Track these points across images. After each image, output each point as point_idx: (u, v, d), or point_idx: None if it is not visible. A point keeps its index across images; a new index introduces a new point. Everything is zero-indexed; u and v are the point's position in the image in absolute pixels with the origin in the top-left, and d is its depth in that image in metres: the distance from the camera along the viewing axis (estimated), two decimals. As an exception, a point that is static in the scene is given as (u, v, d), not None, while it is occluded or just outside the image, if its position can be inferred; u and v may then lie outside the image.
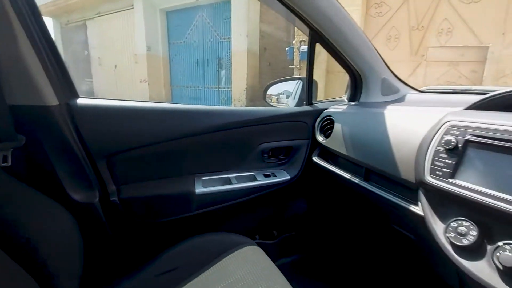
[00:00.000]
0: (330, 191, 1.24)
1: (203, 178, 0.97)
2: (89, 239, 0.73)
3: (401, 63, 4.29)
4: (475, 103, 0.63)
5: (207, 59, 6.61)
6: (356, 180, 0.87)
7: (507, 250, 0.45)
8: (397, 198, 0.73)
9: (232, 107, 1.04)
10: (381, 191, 0.79)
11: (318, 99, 1.28)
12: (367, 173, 0.86)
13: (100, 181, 0.83)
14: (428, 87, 1.20)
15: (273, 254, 1.18)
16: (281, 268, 1.14)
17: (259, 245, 0.84)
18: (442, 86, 1.35)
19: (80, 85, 8.26)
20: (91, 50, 9.01)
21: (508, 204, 0.45)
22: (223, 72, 6.40)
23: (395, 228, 0.94)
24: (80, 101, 0.79)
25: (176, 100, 7.63)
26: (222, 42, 6.26)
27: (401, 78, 1.16)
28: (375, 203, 0.91)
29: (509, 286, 0.45)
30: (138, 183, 0.89)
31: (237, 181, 0.99)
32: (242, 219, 1.10)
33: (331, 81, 4.47)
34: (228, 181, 0.99)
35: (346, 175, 0.91)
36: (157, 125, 0.87)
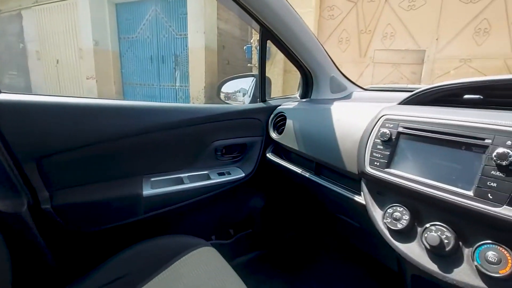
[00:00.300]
0: (285, 186, 1.27)
1: (152, 179, 0.91)
2: (19, 252, 0.64)
3: (351, 64, 4.57)
4: (405, 99, 0.69)
5: (162, 56, 6.32)
6: (307, 175, 0.90)
7: (433, 231, 0.50)
8: (343, 190, 0.77)
9: (182, 104, 1.00)
10: (330, 184, 0.82)
11: (275, 96, 1.30)
12: (318, 167, 0.90)
13: (29, 187, 0.74)
14: (371, 86, 1.29)
15: (230, 253, 1.17)
16: (238, 267, 1.13)
17: (215, 245, 0.82)
18: (383, 85, 1.47)
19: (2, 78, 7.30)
20: (28, 43, 8.04)
21: (432, 189, 0.50)
22: (180, 70, 6.18)
23: (343, 218, 1.00)
24: (3, 96, 0.70)
25: (129, 99, 7.18)
26: (178, 38, 6.03)
27: (352, 78, 1.24)
28: (326, 196, 0.95)
29: (435, 264, 0.49)
30: (76, 187, 0.81)
31: (190, 181, 0.96)
32: (196, 220, 1.06)
33: (288, 80, 4.59)
34: (180, 181, 0.95)
35: (298, 170, 0.94)
36: (99, 123, 0.80)
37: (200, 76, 5.73)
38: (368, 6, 4.35)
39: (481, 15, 3.61)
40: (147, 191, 0.87)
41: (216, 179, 1.00)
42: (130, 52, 6.82)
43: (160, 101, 6.43)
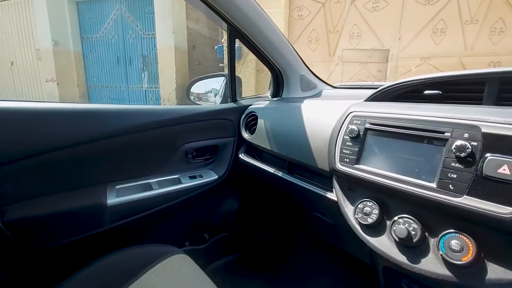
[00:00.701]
0: (259, 186, 1.26)
1: (118, 186, 0.86)
2: None
3: (321, 63, 4.69)
4: (371, 95, 0.71)
5: (130, 57, 6.06)
6: (280, 174, 0.90)
7: (401, 223, 0.51)
8: (316, 187, 0.77)
9: (149, 106, 0.95)
10: (302, 182, 0.82)
11: (246, 96, 1.28)
12: (290, 166, 0.89)
13: None
14: (340, 83, 1.32)
15: (205, 259, 1.13)
16: (214, 272, 1.10)
17: (189, 252, 0.79)
18: (351, 82, 1.52)
19: None
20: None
21: (398, 182, 0.51)
22: (148, 71, 5.96)
23: (317, 215, 1.01)
24: None
25: (95, 102, 6.80)
26: (146, 38, 5.82)
27: (322, 77, 1.26)
28: (299, 194, 0.95)
29: (404, 255, 0.50)
30: (30, 200, 0.73)
31: (159, 186, 0.91)
32: (167, 227, 1.02)
33: (261, 80, 4.61)
34: (148, 187, 0.91)
35: (271, 170, 0.93)
36: (56, 128, 0.73)
37: (170, 77, 5.57)
38: (335, 7, 4.48)
39: (438, 16, 3.87)
40: (112, 200, 0.81)
41: (187, 183, 0.96)
42: (94, 53, 6.46)
43: (129, 104, 6.16)
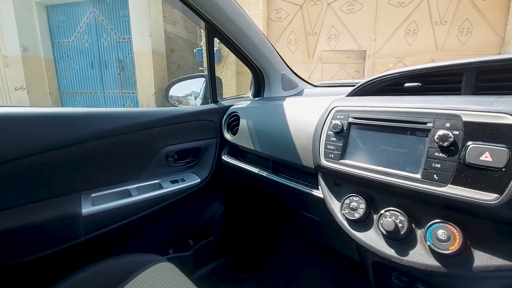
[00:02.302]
0: (244, 188, 1.23)
1: (93, 194, 0.80)
2: None
3: (301, 64, 4.75)
4: (353, 90, 0.71)
5: (105, 61, 5.86)
6: (265, 174, 0.88)
7: (387, 217, 0.50)
8: (301, 186, 0.76)
9: (126, 108, 0.90)
10: (288, 181, 0.81)
11: (227, 97, 1.26)
12: (275, 165, 0.88)
13: None
14: (321, 82, 1.33)
15: (191, 266, 1.09)
16: (201, 279, 1.06)
17: (173, 259, 0.75)
18: (332, 81, 1.54)
19: None
20: None
21: (383, 175, 0.51)
22: (125, 75, 5.79)
23: (304, 214, 1.00)
24: None
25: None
26: (122, 42, 5.66)
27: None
28: (285, 193, 0.93)
29: (392, 248, 0.50)
30: None
31: (139, 192, 0.87)
32: (149, 235, 0.97)
33: (241, 82, 4.60)
34: (127, 194, 0.86)
35: (255, 170, 0.91)
36: (22, 134, 0.67)
37: (149, 82, 5.44)
38: (313, 9, 4.57)
39: (410, 17, 4.03)
40: (86, 209, 0.76)
41: (169, 188, 0.92)
42: (67, 59, 6.20)
43: (107, 110, 5.94)
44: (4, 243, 0.66)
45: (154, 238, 0.99)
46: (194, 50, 4.89)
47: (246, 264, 1.28)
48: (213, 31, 0.96)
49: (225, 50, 4.36)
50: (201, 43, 4.83)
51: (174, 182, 0.96)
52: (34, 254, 0.70)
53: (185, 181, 0.98)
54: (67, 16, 5.94)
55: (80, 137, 0.75)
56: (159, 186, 0.93)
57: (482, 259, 0.42)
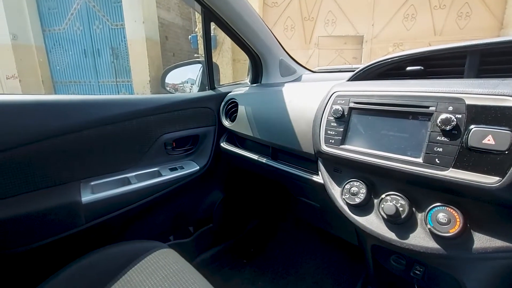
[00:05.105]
0: (243, 175, 1.23)
1: (93, 183, 0.80)
2: None
3: (298, 50, 4.69)
4: (354, 74, 0.70)
5: (98, 49, 5.72)
6: (264, 160, 0.88)
7: (388, 201, 0.51)
8: (301, 172, 0.76)
9: (123, 96, 0.88)
10: (287, 167, 0.81)
11: (224, 83, 1.24)
12: (274, 152, 0.88)
13: None
14: (319, 68, 1.31)
15: (192, 252, 1.10)
16: (202, 264, 1.07)
17: (174, 246, 0.76)
18: (330, 66, 1.52)
19: None
20: None
21: (384, 160, 0.51)
22: (119, 64, 5.67)
23: (304, 200, 1.00)
24: None
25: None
26: (115, 29, 5.51)
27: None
28: (285, 180, 0.94)
29: (392, 232, 0.50)
30: None
31: (138, 180, 0.86)
32: (149, 222, 0.97)
33: (238, 70, 4.54)
34: (126, 182, 0.85)
35: (254, 157, 0.91)
36: (18, 122, 0.66)
37: (143, 70, 5.35)
38: (309, -6, 4.47)
39: (408, 1, 3.96)
40: (86, 197, 0.75)
41: (168, 175, 0.92)
42: (58, 46, 6.04)
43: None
44: (6, 232, 0.66)
45: (155, 225, 1.00)
46: (189, 36, 4.79)
47: (246, 250, 1.30)
48: (210, 15, 0.93)
49: (221, 37, 4.27)
50: (197, 29, 4.72)
51: (173, 170, 0.96)
52: (36, 242, 0.71)
53: (184, 168, 0.98)
54: (57, 2, 5.75)
55: (77, 125, 0.74)
56: (158, 174, 0.92)
57: (481, 241, 0.43)
